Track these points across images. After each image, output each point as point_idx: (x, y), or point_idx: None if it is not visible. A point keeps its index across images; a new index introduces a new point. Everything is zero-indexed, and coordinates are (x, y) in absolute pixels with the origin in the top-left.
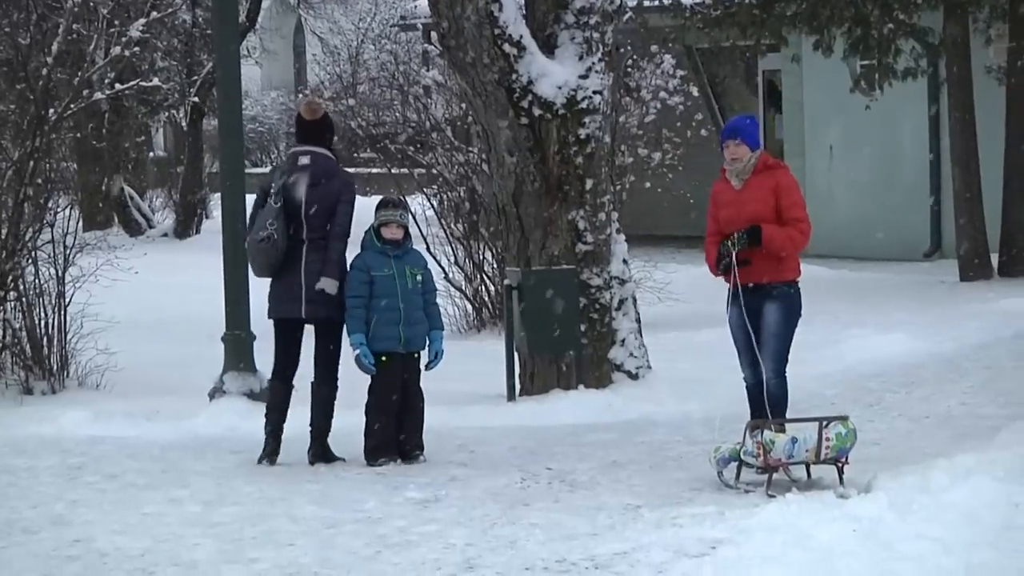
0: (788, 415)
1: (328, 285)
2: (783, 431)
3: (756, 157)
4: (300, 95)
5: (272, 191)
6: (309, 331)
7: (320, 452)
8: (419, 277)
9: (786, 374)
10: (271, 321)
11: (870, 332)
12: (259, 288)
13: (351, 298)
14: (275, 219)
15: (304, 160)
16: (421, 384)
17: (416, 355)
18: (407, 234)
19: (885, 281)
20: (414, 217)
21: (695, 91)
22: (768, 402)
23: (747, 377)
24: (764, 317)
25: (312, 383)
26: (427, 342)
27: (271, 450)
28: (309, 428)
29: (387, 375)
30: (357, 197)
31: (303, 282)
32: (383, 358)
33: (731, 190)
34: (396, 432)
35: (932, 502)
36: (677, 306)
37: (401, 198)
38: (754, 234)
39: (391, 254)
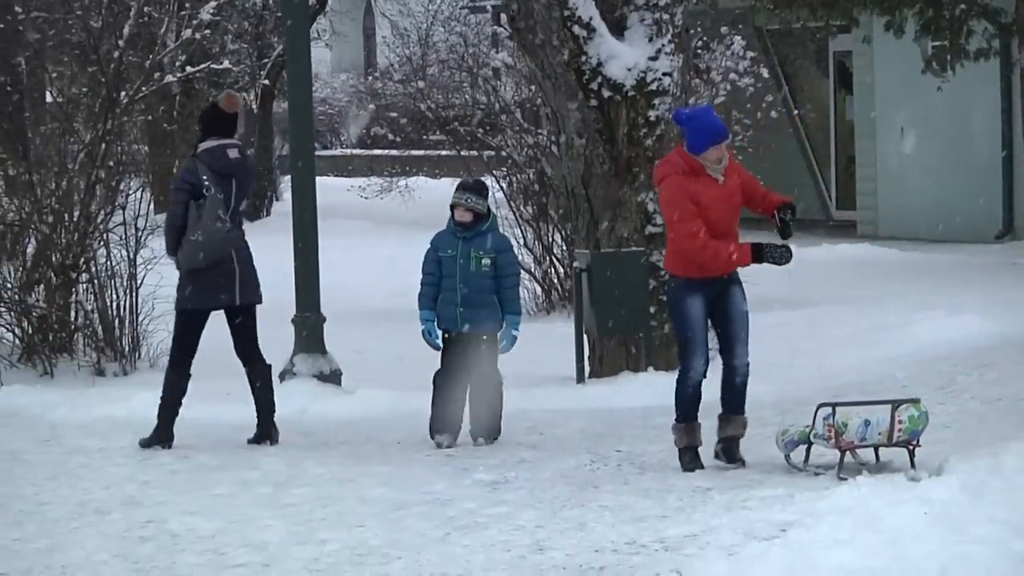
0: (860, 397)
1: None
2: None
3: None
4: (370, 77)
5: (205, 184)
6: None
7: (276, 430)
8: (486, 261)
9: None
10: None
11: (941, 314)
12: (329, 271)
13: (423, 275)
14: (222, 211)
15: (234, 153)
16: (498, 369)
17: (485, 337)
18: (478, 217)
19: (956, 263)
20: (496, 202)
21: (765, 73)
22: (738, 391)
23: (701, 371)
24: (732, 304)
25: (255, 367)
26: (500, 326)
27: (169, 437)
28: (259, 408)
29: (446, 354)
30: (427, 179)
31: (237, 270)
32: (446, 335)
33: (715, 187)
34: (459, 411)
35: (1004, 485)
36: (746, 288)
37: (480, 182)
38: (785, 228)
39: (459, 236)
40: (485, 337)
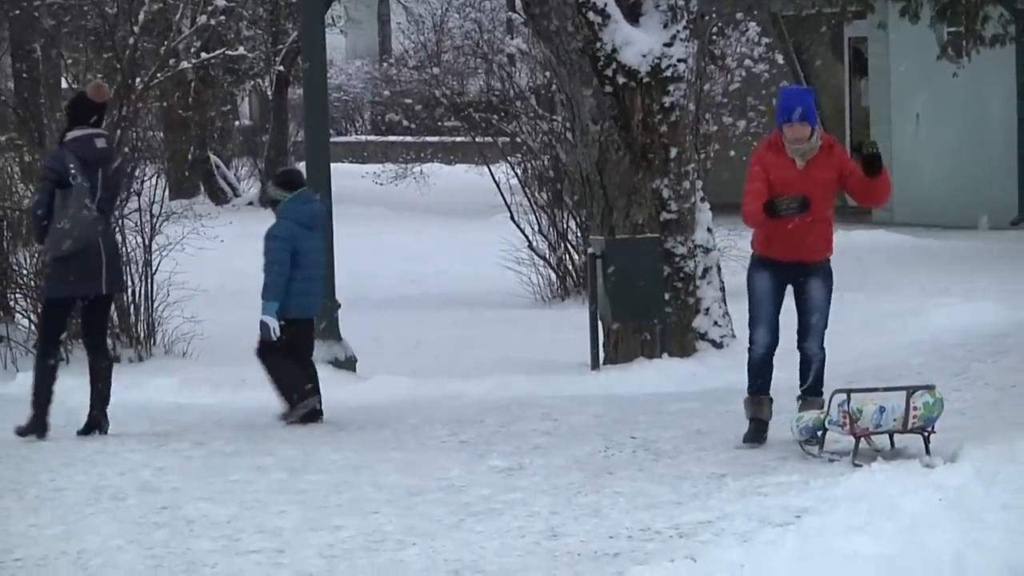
0: (875, 384)
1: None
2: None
3: (818, 137)
4: (384, 64)
5: (71, 172)
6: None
7: (107, 421)
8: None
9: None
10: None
11: (956, 301)
12: (344, 257)
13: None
14: (88, 199)
15: (101, 143)
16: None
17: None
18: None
19: (971, 249)
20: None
21: (780, 59)
22: (811, 375)
23: (762, 345)
24: (808, 293)
25: (98, 356)
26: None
27: (44, 427)
28: (94, 399)
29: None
30: (442, 166)
31: (104, 259)
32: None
33: (791, 169)
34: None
35: (1018, 471)
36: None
37: (291, 169)
38: (875, 163)
39: None
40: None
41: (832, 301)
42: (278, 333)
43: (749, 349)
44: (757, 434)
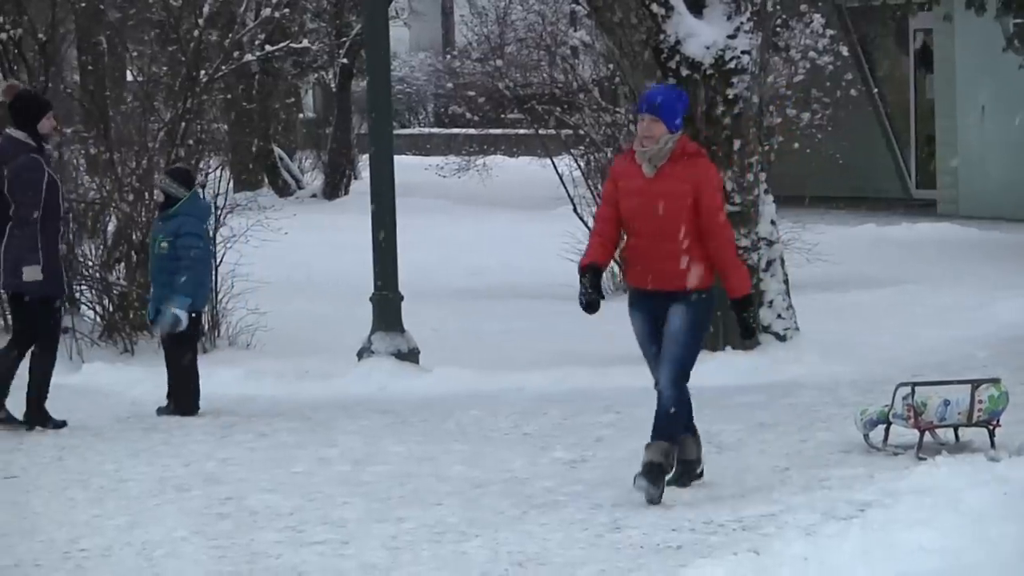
0: (940, 377)
1: (29, 274)
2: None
3: (674, 141)
4: (448, 56)
5: None
6: None
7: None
8: (163, 244)
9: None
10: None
11: (1022, 294)
12: (407, 250)
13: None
14: None
15: None
16: (183, 343)
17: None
18: (169, 200)
19: None
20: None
21: (845, 51)
22: (657, 414)
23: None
24: (668, 323)
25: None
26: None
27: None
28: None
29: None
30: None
31: (2, 261)
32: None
33: (640, 176)
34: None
35: None
36: (826, 267)
37: (180, 167)
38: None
39: (158, 219)
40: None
41: (896, 293)
42: (184, 325)
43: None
44: (683, 477)
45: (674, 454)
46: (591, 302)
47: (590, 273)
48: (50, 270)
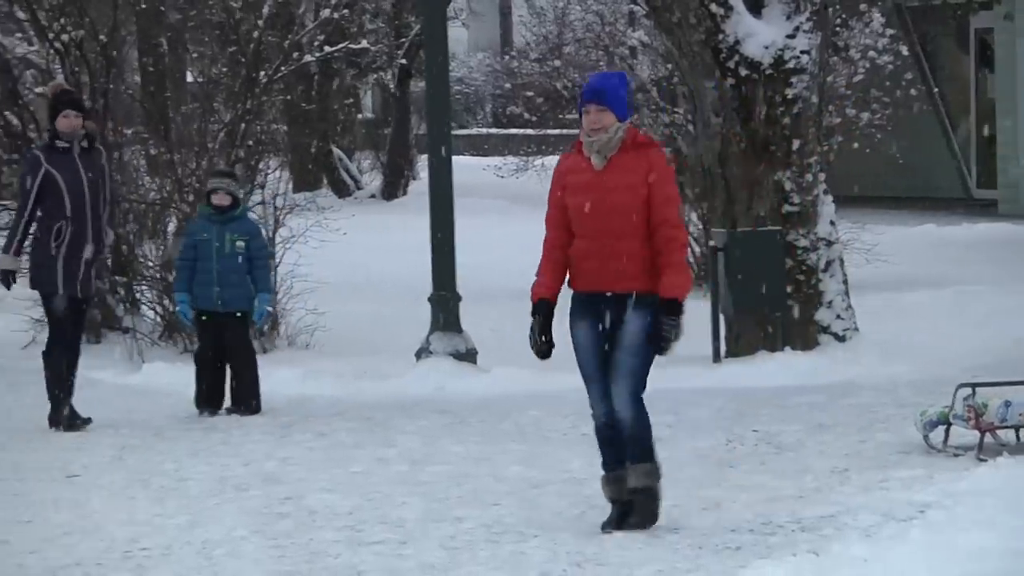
0: (1000, 378)
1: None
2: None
3: (624, 130)
4: (506, 57)
5: None
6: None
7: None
8: (240, 243)
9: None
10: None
11: None
12: (465, 250)
13: (177, 260)
14: None
15: None
16: (249, 342)
17: (238, 314)
18: (235, 202)
19: None
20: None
21: (905, 50)
22: (627, 437)
23: (598, 413)
24: (620, 331)
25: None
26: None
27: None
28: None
29: (203, 330)
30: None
31: None
32: (203, 316)
33: (588, 170)
34: (214, 384)
35: None
36: (885, 268)
37: (231, 168)
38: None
39: (214, 220)
40: (238, 315)
41: (956, 294)
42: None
43: (592, 416)
44: (609, 521)
45: (658, 471)
46: (543, 353)
47: (541, 314)
48: (38, 266)
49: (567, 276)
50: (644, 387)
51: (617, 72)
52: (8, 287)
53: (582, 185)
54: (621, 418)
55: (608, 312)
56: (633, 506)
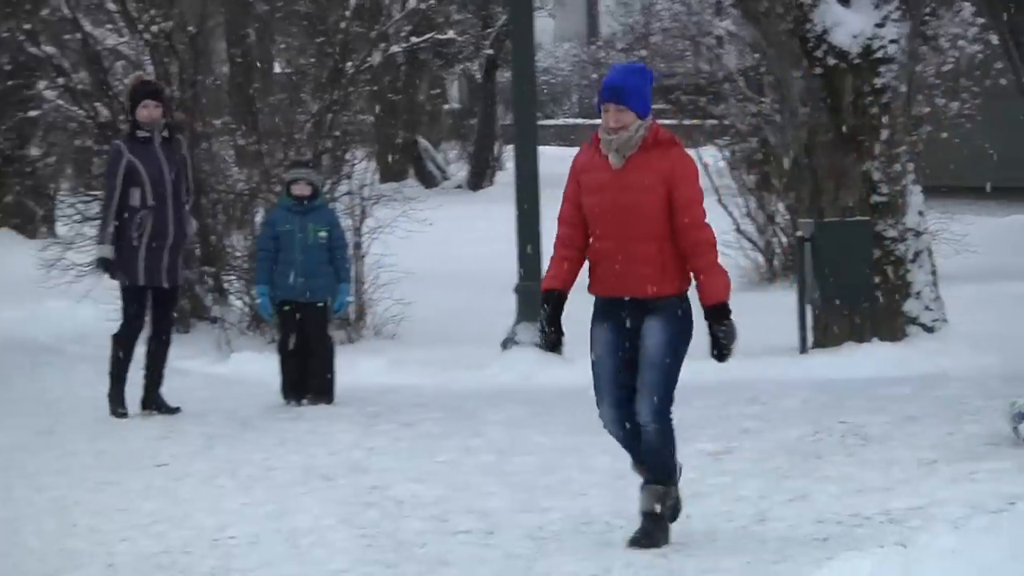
0: None
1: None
2: None
3: (645, 128)
4: (593, 46)
5: None
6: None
7: None
8: (322, 233)
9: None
10: None
11: None
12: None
13: (259, 251)
14: None
15: None
16: (329, 332)
17: (320, 304)
18: (315, 192)
19: None
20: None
21: (995, 39)
22: (645, 452)
23: (608, 422)
24: (643, 340)
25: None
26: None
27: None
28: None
29: (286, 320)
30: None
31: None
32: (285, 306)
33: (606, 168)
34: (300, 374)
35: None
36: (974, 258)
37: (312, 158)
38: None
39: (296, 210)
40: (320, 305)
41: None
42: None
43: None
44: (648, 534)
45: (673, 493)
46: (551, 343)
47: (551, 304)
48: (119, 256)
49: (578, 272)
50: (671, 401)
51: (638, 65)
52: (112, 276)
53: (598, 184)
54: (647, 432)
55: (628, 318)
56: (642, 523)
